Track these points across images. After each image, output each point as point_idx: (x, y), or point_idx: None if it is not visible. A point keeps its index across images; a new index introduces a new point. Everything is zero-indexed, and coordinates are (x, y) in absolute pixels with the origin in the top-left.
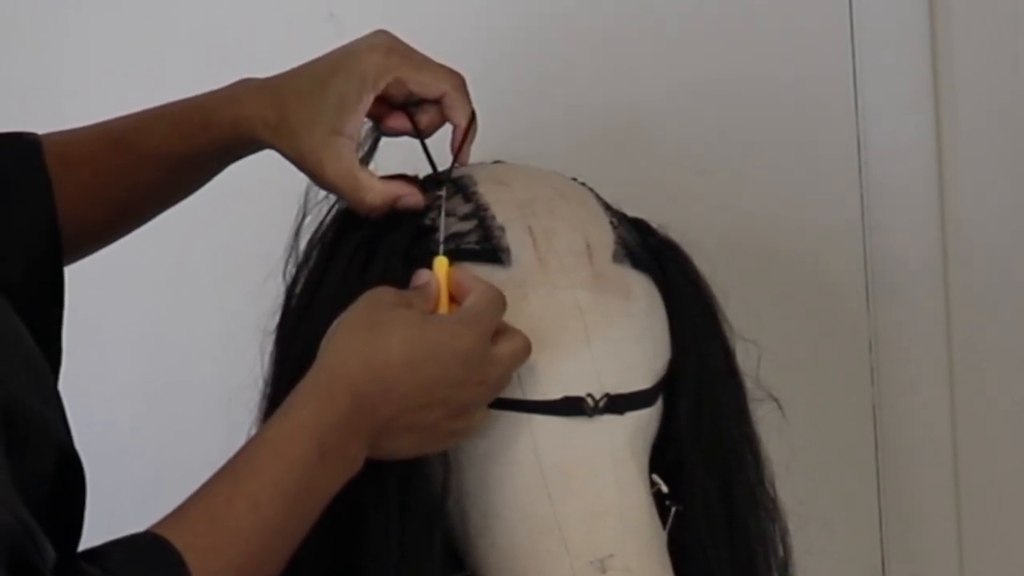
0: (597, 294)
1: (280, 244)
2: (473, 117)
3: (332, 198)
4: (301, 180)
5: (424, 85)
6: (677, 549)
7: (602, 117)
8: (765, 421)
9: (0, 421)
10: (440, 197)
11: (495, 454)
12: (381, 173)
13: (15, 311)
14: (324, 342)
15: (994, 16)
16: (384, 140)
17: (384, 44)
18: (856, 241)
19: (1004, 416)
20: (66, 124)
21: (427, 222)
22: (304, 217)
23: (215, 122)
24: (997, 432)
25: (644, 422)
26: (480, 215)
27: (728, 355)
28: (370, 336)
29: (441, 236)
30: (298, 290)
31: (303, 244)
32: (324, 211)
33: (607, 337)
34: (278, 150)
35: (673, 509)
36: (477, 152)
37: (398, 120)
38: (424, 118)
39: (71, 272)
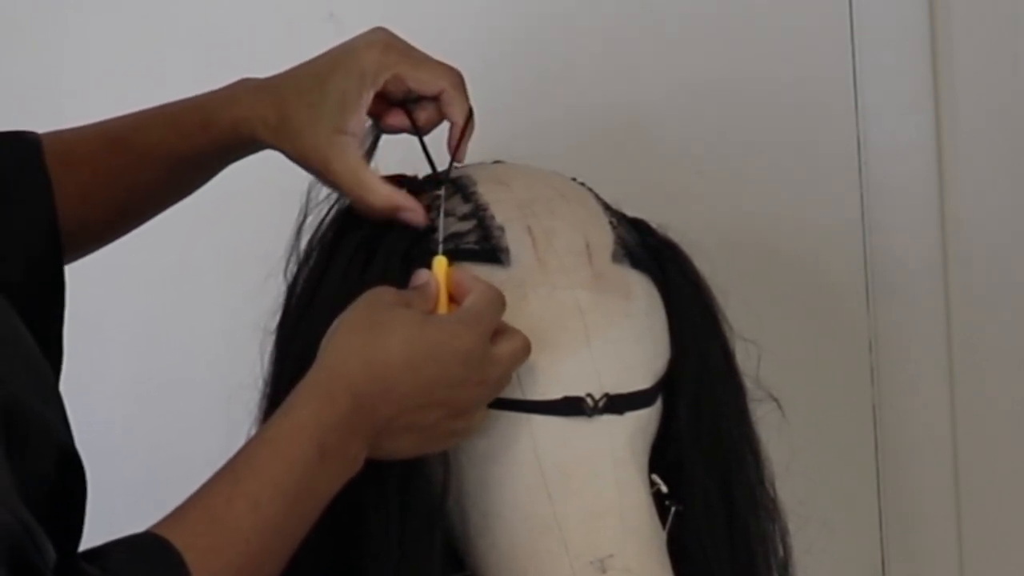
0: (597, 294)
1: (280, 243)
2: (470, 114)
3: (333, 197)
4: (301, 180)
5: (422, 82)
6: (677, 549)
7: (602, 117)
8: (765, 421)
9: (0, 421)
10: (439, 197)
11: (495, 454)
12: (381, 172)
13: (15, 311)
14: (324, 342)
15: (994, 16)
16: (383, 138)
17: (382, 41)
18: (856, 241)
19: (1004, 416)
20: (66, 124)
21: (426, 223)
22: (306, 216)
23: (214, 122)
24: (997, 432)
25: (644, 422)
26: (479, 215)
27: (728, 355)
28: (370, 336)
29: (440, 236)
30: (298, 290)
31: (305, 241)
32: (325, 211)
33: (607, 337)
34: (281, 150)
35: (673, 509)
36: (477, 152)
37: (397, 117)
38: (422, 115)
39: (71, 271)
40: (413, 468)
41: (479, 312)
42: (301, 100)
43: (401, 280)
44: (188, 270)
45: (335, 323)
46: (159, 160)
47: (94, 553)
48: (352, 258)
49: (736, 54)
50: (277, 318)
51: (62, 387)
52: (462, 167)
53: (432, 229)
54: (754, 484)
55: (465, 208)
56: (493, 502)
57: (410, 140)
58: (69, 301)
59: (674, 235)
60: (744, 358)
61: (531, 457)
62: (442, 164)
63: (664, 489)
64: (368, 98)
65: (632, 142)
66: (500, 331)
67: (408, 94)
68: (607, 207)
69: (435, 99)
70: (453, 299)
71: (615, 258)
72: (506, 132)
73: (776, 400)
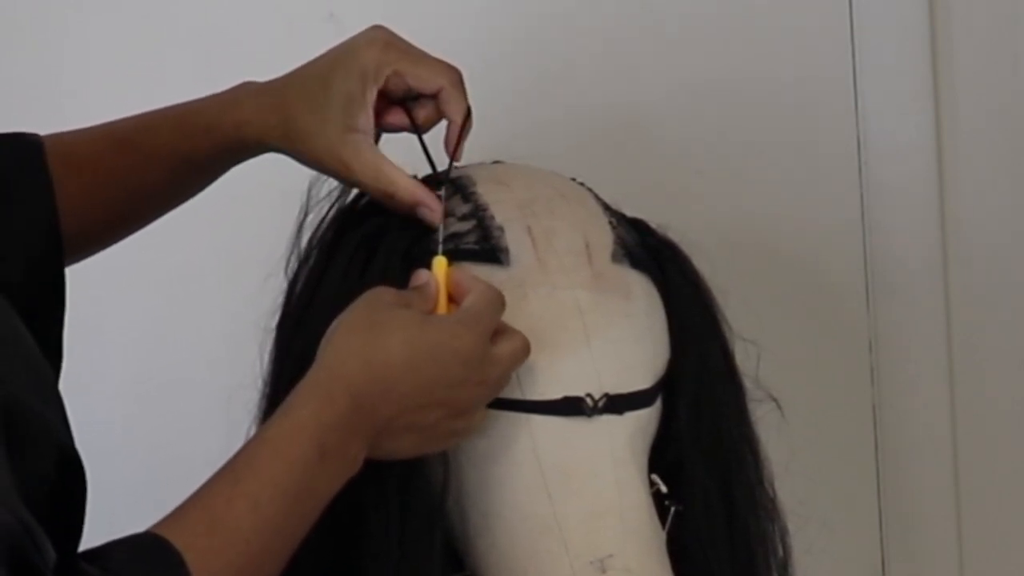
0: (597, 294)
1: (280, 244)
2: (469, 113)
3: (333, 196)
4: (301, 181)
5: (422, 79)
6: (677, 549)
7: (602, 117)
8: (765, 421)
9: (0, 421)
10: (439, 197)
11: (495, 454)
12: None
13: (15, 311)
14: (324, 342)
15: (994, 16)
16: (383, 138)
17: (382, 39)
18: (856, 241)
19: (1004, 416)
20: (66, 124)
21: (439, 221)
22: (306, 214)
23: (217, 125)
24: (997, 432)
25: (644, 422)
26: (479, 215)
27: (727, 355)
28: (370, 336)
29: (440, 236)
30: (298, 289)
31: (305, 241)
32: (325, 209)
33: (607, 337)
34: (290, 153)
35: (673, 509)
36: (477, 152)
37: (396, 116)
38: (421, 113)
39: (72, 272)
40: (413, 468)
41: (479, 312)
42: (306, 103)
43: (401, 279)
44: (188, 270)
45: (335, 323)
46: (161, 162)
47: (94, 553)
48: (352, 257)
49: (736, 54)
50: (277, 317)
51: (62, 387)
52: (462, 167)
53: (432, 229)
54: (754, 484)
55: (465, 208)
56: (493, 502)
57: (408, 140)
58: (70, 301)
59: (674, 235)
60: (744, 358)
61: (531, 457)
62: (442, 164)
63: (664, 489)
64: (373, 95)
65: (632, 142)
66: (500, 331)
67: (408, 92)
68: (607, 207)
69: (434, 97)
70: (453, 299)
71: (615, 258)
72: (506, 132)
73: (776, 400)
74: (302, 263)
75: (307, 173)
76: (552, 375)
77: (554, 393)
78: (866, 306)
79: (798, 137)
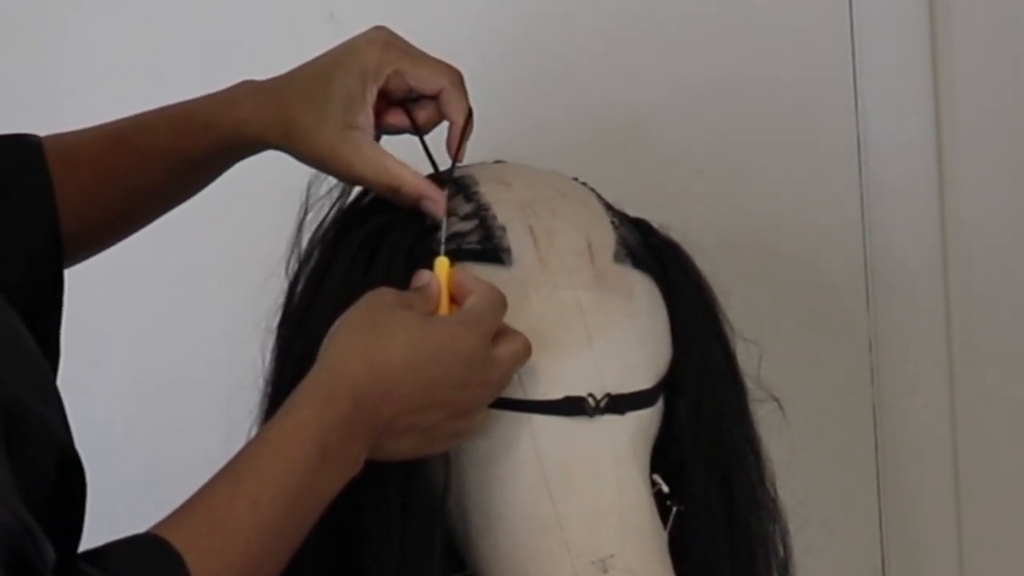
0: (599, 294)
1: (281, 243)
2: (470, 114)
3: (334, 195)
4: (301, 180)
5: (422, 79)
6: (678, 549)
7: (602, 117)
8: (765, 421)
9: (0, 421)
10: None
11: (496, 454)
12: None
13: (15, 311)
14: (325, 342)
15: (994, 16)
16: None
17: (382, 39)
18: (856, 241)
19: (1004, 416)
20: (66, 124)
21: (429, 221)
22: (306, 213)
23: (215, 124)
24: (997, 432)
25: (645, 422)
26: (481, 215)
27: (729, 355)
28: (372, 337)
29: (443, 236)
30: (300, 288)
31: (306, 240)
32: (326, 208)
33: (609, 337)
34: (290, 151)
35: (674, 509)
36: (477, 152)
37: (396, 117)
38: (422, 114)
39: (71, 272)
40: (414, 469)
41: (480, 313)
42: (305, 101)
43: (404, 278)
44: (189, 270)
45: (336, 323)
46: (160, 161)
47: (94, 553)
48: (355, 256)
49: (736, 54)
50: (278, 317)
51: (62, 387)
52: (464, 167)
53: (435, 228)
54: (755, 484)
55: (467, 208)
56: (494, 502)
57: (410, 142)
58: (69, 301)
59: (675, 235)
60: (745, 358)
61: (532, 457)
62: (443, 164)
63: (665, 489)
64: (373, 94)
65: (632, 142)
66: (501, 332)
67: (408, 93)
68: (609, 207)
69: (434, 98)
70: (454, 300)
71: (617, 258)
72: (506, 132)
73: (777, 400)
74: (303, 262)
75: (307, 171)
76: (554, 375)
77: (556, 393)
78: (866, 306)
79: (798, 137)
